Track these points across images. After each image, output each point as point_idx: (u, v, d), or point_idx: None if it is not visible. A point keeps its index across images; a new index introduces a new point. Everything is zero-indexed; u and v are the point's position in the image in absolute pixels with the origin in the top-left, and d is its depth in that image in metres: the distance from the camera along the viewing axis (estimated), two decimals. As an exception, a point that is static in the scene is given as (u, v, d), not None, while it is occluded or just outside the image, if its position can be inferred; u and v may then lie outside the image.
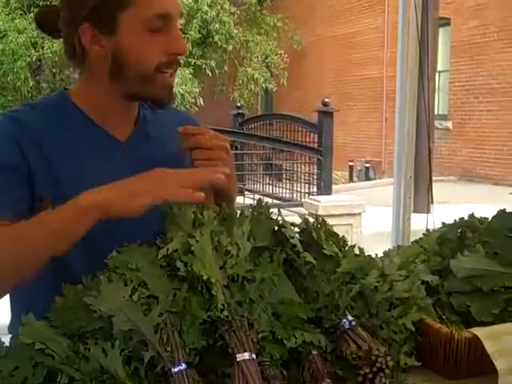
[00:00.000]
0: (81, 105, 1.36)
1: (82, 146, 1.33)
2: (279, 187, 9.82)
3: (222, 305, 1.06)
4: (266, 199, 9.06)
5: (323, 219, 1.25)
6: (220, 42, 16.11)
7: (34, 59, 14.36)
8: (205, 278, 1.05)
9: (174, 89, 1.39)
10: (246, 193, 8.52)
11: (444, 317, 1.26)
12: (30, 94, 14.88)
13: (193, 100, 14.43)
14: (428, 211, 3.27)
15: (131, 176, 1.24)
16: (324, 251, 1.19)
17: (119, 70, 1.30)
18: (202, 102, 14.55)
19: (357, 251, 1.25)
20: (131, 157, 1.36)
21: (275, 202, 9.04)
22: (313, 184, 9.07)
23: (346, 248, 1.24)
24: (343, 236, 1.27)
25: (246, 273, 1.11)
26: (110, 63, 1.30)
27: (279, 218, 1.21)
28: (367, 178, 14.78)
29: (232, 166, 1.37)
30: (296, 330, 1.12)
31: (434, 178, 3.86)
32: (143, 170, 1.29)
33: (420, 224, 3.34)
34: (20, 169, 1.26)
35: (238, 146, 9.27)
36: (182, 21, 14.22)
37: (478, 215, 1.49)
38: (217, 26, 15.82)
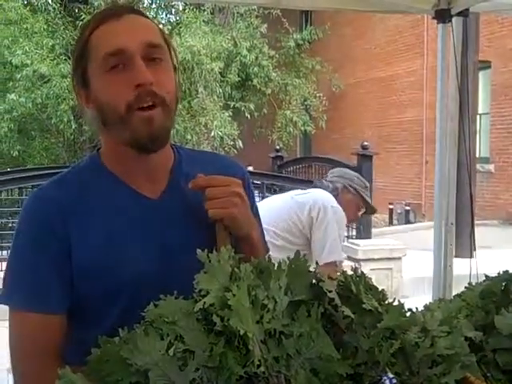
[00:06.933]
0: (109, 166, 1.36)
1: (113, 210, 1.32)
2: (318, 230, 9.72)
3: (259, 360, 1.04)
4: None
5: (362, 272, 1.23)
6: (259, 85, 16.30)
7: (76, 103, 14.67)
8: (241, 332, 1.03)
9: (171, 129, 1.36)
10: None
11: (489, 375, 1.21)
12: (72, 137, 15.19)
13: (232, 143, 14.54)
14: (471, 256, 3.20)
15: (162, 234, 1.31)
16: (363, 305, 1.16)
17: (104, 120, 1.31)
18: (240, 145, 14.66)
19: (396, 302, 1.22)
20: (163, 215, 1.35)
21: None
22: (352, 227, 8.98)
23: (386, 302, 1.21)
24: (383, 289, 1.24)
25: (283, 327, 1.09)
26: (99, 117, 1.31)
27: (317, 271, 1.19)
28: (407, 221, 14.59)
29: (247, 209, 1.36)
30: (335, 386, 1.09)
31: (476, 222, 3.79)
32: (174, 226, 1.31)
33: (463, 269, 3.26)
34: (58, 254, 1.28)
35: (277, 189, 9.27)
36: (221, 64, 14.49)
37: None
38: (256, 69, 16.03)
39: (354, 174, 3.71)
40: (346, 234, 8.94)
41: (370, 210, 3.67)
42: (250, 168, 12.24)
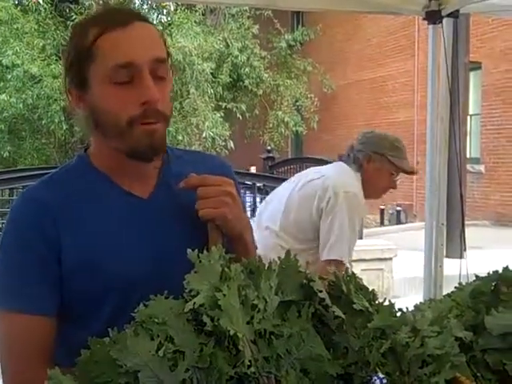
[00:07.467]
0: (99, 166, 1.36)
1: (103, 209, 1.32)
2: (309, 231, 9.71)
3: (249, 361, 1.03)
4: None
5: (353, 272, 1.23)
6: (250, 85, 16.30)
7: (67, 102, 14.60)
8: (232, 333, 1.03)
9: (166, 138, 1.35)
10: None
11: (479, 375, 1.22)
12: (63, 137, 15.13)
13: (223, 143, 14.54)
14: (461, 257, 3.21)
15: (153, 232, 1.31)
16: (354, 306, 1.16)
17: (98, 125, 1.30)
18: (232, 146, 14.66)
19: (386, 302, 1.22)
20: (152, 215, 1.35)
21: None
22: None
23: (376, 302, 1.21)
24: (373, 289, 1.24)
25: (274, 328, 1.09)
26: (92, 120, 1.31)
27: (307, 271, 1.19)
28: (398, 222, 14.63)
29: (239, 209, 1.36)
30: (325, 387, 1.09)
31: (466, 223, 3.79)
32: (164, 225, 1.31)
33: (453, 270, 3.27)
34: (47, 255, 1.27)
35: (268, 190, 9.27)
36: (212, 65, 14.48)
37: (512, 264, 1.45)
38: (247, 70, 16.03)
39: (377, 135, 3.27)
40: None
41: (406, 173, 3.26)
42: (253, 169, 12.19)
